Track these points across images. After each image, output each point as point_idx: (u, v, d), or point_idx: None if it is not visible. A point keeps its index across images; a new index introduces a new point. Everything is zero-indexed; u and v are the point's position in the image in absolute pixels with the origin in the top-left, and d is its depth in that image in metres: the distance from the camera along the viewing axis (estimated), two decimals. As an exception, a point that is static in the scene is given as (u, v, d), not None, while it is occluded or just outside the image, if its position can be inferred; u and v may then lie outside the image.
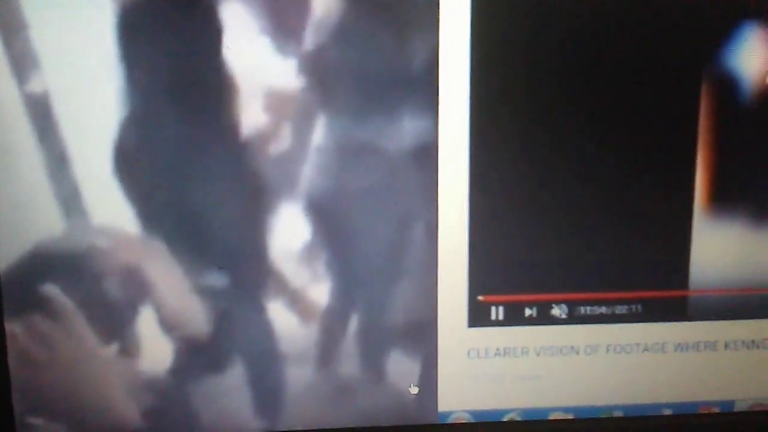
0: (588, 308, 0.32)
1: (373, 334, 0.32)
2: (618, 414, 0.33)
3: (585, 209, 0.31)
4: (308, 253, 0.31)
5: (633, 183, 0.31)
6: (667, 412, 0.34)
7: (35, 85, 0.28)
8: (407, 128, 0.30)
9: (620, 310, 0.32)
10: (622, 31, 0.30)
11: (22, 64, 0.28)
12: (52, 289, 0.30)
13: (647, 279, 0.32)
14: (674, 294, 0.32)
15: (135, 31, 0.28)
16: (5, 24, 0.28)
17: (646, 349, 0.33)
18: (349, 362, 0.32)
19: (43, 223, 0.29)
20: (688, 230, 0.31)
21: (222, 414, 0.32)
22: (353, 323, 0.32)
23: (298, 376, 0.32)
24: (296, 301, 0.31)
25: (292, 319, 0.31)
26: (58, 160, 0.29)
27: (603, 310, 0.32)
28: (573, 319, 0.32)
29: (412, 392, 0.32)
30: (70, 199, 0.29)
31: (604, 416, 0.33)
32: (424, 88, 0.30)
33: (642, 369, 0.33)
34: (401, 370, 0.32)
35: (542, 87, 0.30)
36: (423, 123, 0.30)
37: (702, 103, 0.31)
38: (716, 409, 0.34)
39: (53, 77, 0.28)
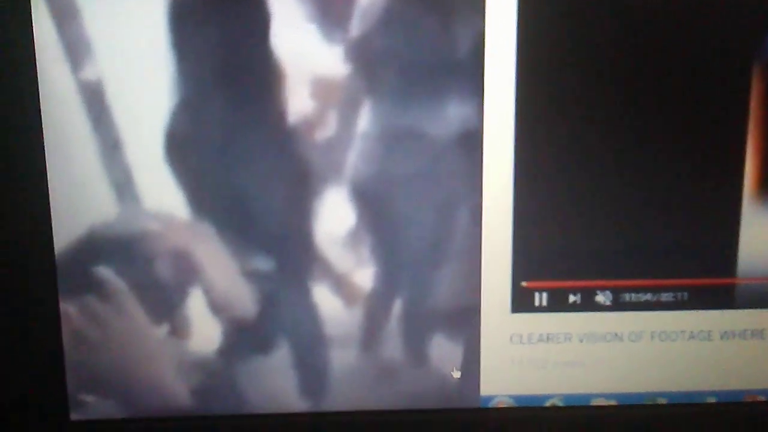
0: (633, 295, 0.32)
1: (417, 318, 0.32)
2: (662, 401, 0.33)
3: (631, 195, 0.31)
4: (353, 238, 0.31)
5: (681, 169, 0.31)
6: (712, 399, 0.33)
7: (89, 73, 0.29)
8: (452, 114, 0.30)
9: (666, 297, 0.32)
10: (672, 16, 0.29)
11: (76, 51, 0.29)
12: (105, 271, 0.31)
13: (694, 266, 0.31)
14: (722, 282, 0.32)
15: (185, 19, 0.29)
16: (59, 12, 0.28)
17: (691, 337, 0.32)
18: (392, 345, 0.32)
19: (97, 207, 0.30)
20: (737, 217, 0.31)
21: (268, 394, 0.33)
22: (397, 307, 0.32)
23: (343, 358, 0.32)
24: (341, 285, 0.31)
25: (337, 303, 0.32)
26: (111, 146, 0.30)
27: (648, 297, 0.32)
28: (617, 306, 0.32)
29: (455, 376, 0.33)
30: (123, 184, 0.30)
31: (647, 403, 0.33)
32: (470, 74, 0.30)
33: (687, 356, 0.33)
34: (444, 354, 0.32)
35: (589, 73, 0.30)
36: (468, 108, 0.30)
37: (752, 88, 0.30)
38: (761, 398, 0.33)
39: (106, 64, 0.29)
